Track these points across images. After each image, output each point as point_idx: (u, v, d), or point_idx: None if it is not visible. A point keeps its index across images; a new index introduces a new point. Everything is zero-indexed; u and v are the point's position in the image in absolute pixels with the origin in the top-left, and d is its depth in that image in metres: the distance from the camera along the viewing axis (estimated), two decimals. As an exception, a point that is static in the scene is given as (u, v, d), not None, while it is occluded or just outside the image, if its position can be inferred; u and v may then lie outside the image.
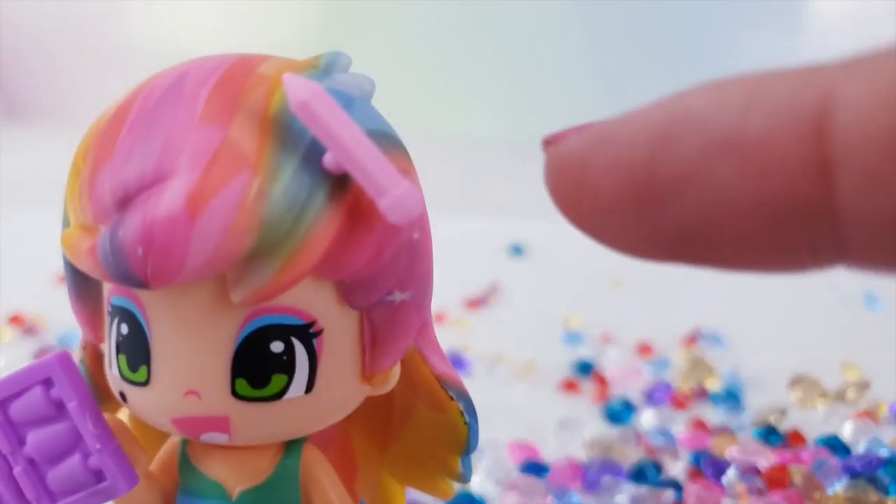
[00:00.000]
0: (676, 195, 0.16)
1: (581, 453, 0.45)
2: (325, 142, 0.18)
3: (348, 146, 0.18)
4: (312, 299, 0.20)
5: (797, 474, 0.42)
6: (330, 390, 0.22)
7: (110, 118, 0.21)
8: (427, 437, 0.26)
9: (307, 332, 0.20)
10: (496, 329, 0.63)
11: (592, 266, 0.79)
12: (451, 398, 0.25)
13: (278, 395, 0.21)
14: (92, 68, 1.53)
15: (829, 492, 0.42)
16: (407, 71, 1.36)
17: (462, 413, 0.25)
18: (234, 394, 0.20)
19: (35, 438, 0.22)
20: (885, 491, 0.42)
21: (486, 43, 1.47)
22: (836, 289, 0.77)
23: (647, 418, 0.49)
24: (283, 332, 0.20)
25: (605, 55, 1.51)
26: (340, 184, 0.19)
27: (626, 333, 0.62)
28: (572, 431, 0.47)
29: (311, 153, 0.19)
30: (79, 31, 1.55)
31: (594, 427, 0.48)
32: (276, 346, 0.20)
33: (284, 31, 1.53)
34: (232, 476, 0.23)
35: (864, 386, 0.55)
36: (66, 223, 0.22)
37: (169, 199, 0.18)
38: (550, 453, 0.44)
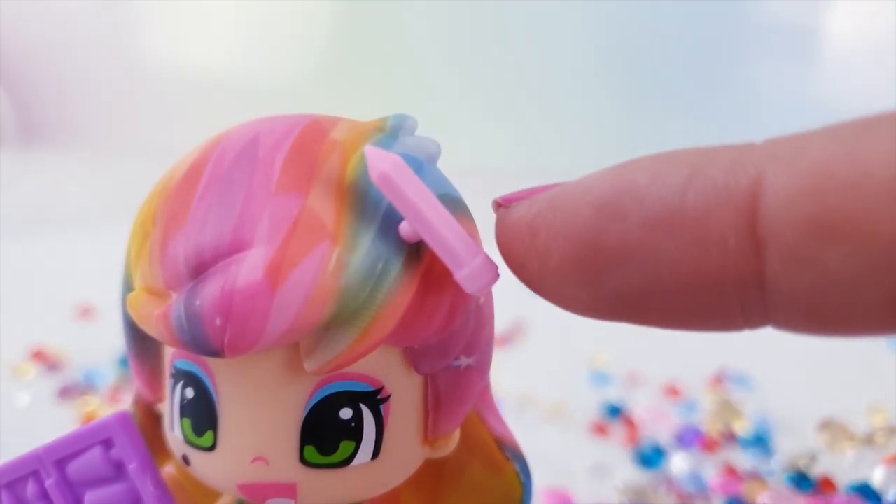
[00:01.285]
0: (621, 264, 0.17)
1: (614, 499, 0.45)
2: (404, 213, 0.18)
3: (428, 218, 0.18)
4: (381, 366, 0.21)
5: (830, 523, 0.42)
6: (395, 455, 0.22)
7: (180, 181, 0.21)
8: (480, 498, 0.26)
9: (375, 399, 0.21)
10: (523, 368, 0.64)
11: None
12: (508, 459, 0.25)
13: (346, 462, 0.21)
14: (104, 92, 1.54)
15: (863, 541, 0.42)
16: (422, 99, 1.36)
17: (518, 474, 0.25)
18: (303, 461, 0.20)
19: (93, 499, 0.22)
20: (917, 540, 0.42)
21: (503, 72, 1.47)
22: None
23: (677, 463, 0.49)
24: (353, 398, 0.20)
25: (620, 86, 1.51)
26: (415, 252, 0.20)
27: (653, 373, 0.62)
28: (604, 477, 0.47)
29: (387, 222, 0.19)
30: (91, 55, 1.56)
31: (625, 472, 0.48)
32: (345, 413, 0.20)
33: (297, 52, 1.53)
34: None
35: (892, 431, 0.55)
36: (128, 285, 0.22)
37: (249, 269, 0.18)
38: (583, 499, 0.44)
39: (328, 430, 0.20)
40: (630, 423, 0.54)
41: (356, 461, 0.21)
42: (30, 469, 0.23)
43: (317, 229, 0.19)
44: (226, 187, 0.19)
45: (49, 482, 0.22)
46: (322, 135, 0.21)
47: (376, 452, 0.21)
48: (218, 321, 0.18)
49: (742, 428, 0.54)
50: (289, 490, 0.21)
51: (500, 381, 0.60)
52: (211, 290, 0.18)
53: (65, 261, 0.86)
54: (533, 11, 1.45)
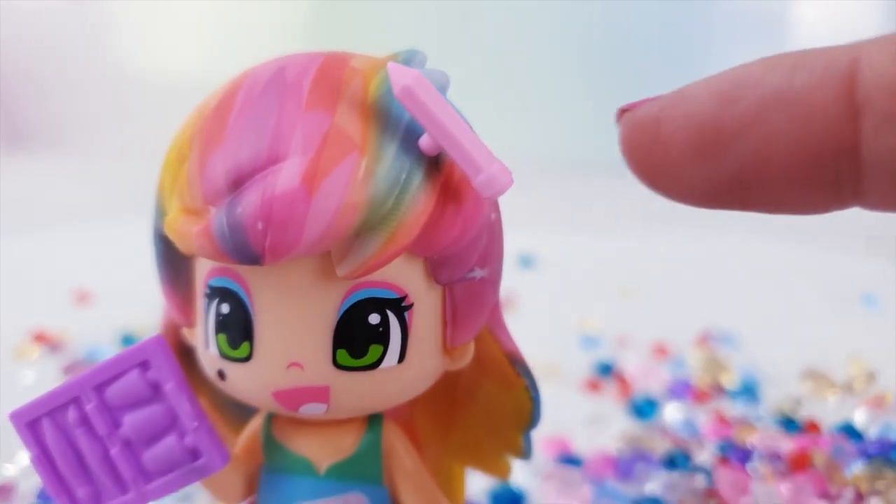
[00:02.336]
0: (737, 142, 0.19)
1: (611, 446, 0.46)
2: (425, 124, 0.20)
3: (448, 128, 0.20)
4: (405, 275, 0.22)
5: (818, 458, 0.44)
6: (418, 361, 0.23)
7: (214, 108, 0.22)
8: (493, 415, 0.28)
9: (400, 306, 0.22)
10: (514, 336, 0.65)
11: (600, 276, 0.82)
12: (519, 374, 0.27)
13: (375, 365, 0.22)
14: (87, 98, 1.55)
15: (848, 473, 0.43)
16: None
17: (528, 389, 0.27)
18: (336, 364, 0.22)
19: (131, 420, 0.23)
20: (900, 471, 0.44)
21: (494, 59, 1.49)
22: (835, 291, 0.80)
23: (670, 412, 0.51)
24: (380, 305, 0.22)
25: (592, 74, 1.54)
26: (434, 164, 0.21)
27: (640, 337, 0.64)
28: (600, 427, 0.49)
29: (409, 136, 0.21)
30: (73, 61, 1.57)
31: (621, 423, 0.50)
32: (374, 318, 0.22)
33: (272, 55, 1.54)
34: (319, 452, 0.24)
35: (870, 377, 0.57)
36: (161, 213, 0.23)
37: (286, 177, 0.19)
38: (582, 447, 0.46)
39: (358, 335, 0.22)
40: (622, 380, 0.55)
41: (384, 364, 0.22)
42: (70, 396, 0.24)
43: (345, 142, 0.20)
44: (259, 109, 0.21)
45: (90, 407, 0.23)
46: (343, 63, 0.22)
47: (402, 357, 0.22)
48: (259, 225, 0.19)
49: (729, 381, 0.56)
50: (322, 394, 0.22)
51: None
52: (252, 198, 0.20)
53: (57, 252, 0.87)
54: (510, 7, 1.48)
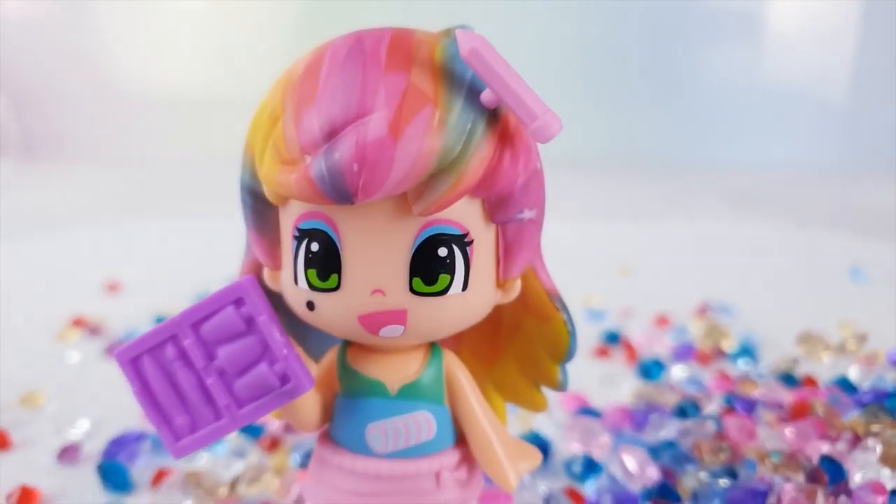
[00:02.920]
0: None
1: (626, 401, 0.50)
2: (487, 80, 0.23)
3: (509, 82, 0.23)
4: (467, 214, 0.25)
5: (818, 406, 0.48)
6: (478, 291, 0.27)
7: (302, 74, 0.25)
8: (534, 348, 0.31)
9: (463, 241, 0.26)
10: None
11: (600, 258, 0.86)
12: (557, 309, 0.30)
13: (444, 292, 0.26)
14: (95, 110, 1.59)
15: (846, 419, 0.47)
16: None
17: (566, 322, 0.30)
18: (412, 290, 0.25)
19: (226, 353, 0.26)
20: (894, 416, 0.47)
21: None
22: (823, 266, 0.84)
23: (677, 372, 0.55)
24: (447, 240, 0.25)
25: (577, 72, 1.58)
26: (494, 116, 0.25)
27: (643, 309, 0.68)
28: (613, 386, 0.53)
29: (472, 92, 0.24)
30: (81, 80, 1.61)
31: (631, 383, 0.53)
32: (442, 251, 0.25)
33: (262, 66, 1.58)
34: (392, 375, 0.28)
35: (862, 338, 0.61)
36: (250, 169, 0.26)
37: (375, 127, 0.23)
38: (599, 402, 0.49)
39: (430, 265, 0.25)
40: (629, 347, 0.59)
41: (451, 291, 0.26)
42: (168, 334, 0.26)
43: (421, 97, 0.24)
44: (345, 72, 0.24)
45: (187, 342, 0.26)
46: (409, 35, 0.26)
47: (465, 285, 0.26)
48: (355, 167, 0.23)
49: (729, 345, 0.60)
50: (401, 316, 0.26)
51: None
52: (347, 145, 0.23)
53: (84, 249, 0.92)
54: (493, 10, 1.51)
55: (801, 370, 0.55)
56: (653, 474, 0.41)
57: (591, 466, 0.41)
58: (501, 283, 0.28)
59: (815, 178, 1.46)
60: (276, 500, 0.39)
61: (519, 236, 0.27)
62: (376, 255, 0.25)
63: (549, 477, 0.41)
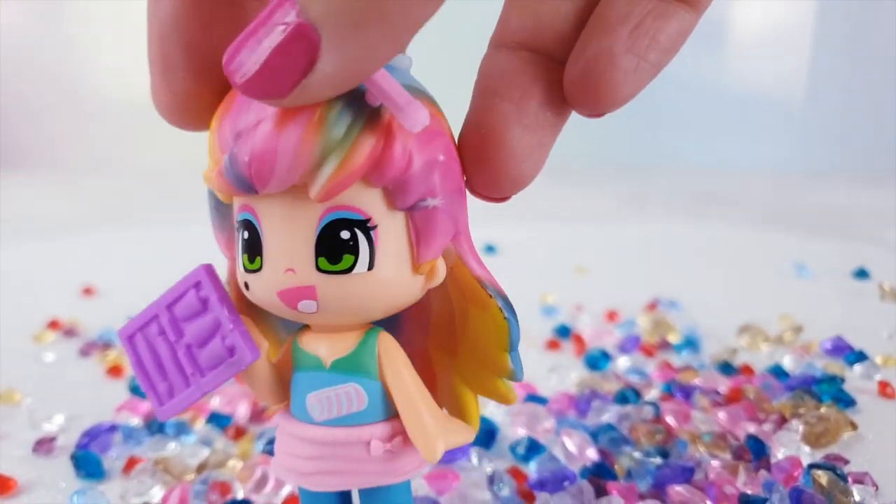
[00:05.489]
0: None
1: (571, 389, 0.53)
2: (364, 82, 0.26)
3: (378, 81, 0.26)
4: (367, 202, 0.28)
5: (749, 392, 0.51)
6: (388, 272, 0.29)
7: (223, 103, 0.29)
8: (481, 336, 0.33)
9: (365, 226, 0.28)
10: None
11: (556, 259, 0.89)
12: (490, 296, 0.33)
13: (348, 270, 0.29)
14: (69, 121, 1.61)
15: (775, 403, 0.51)
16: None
17: (501, 309, 0.33)
18: (318, 268, 0.29)
19: (191, 329, 0.30)
20: (819, 400, 0.51)
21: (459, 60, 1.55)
22: (771, 262, 0.88)
23: (622, 363, 0.58)
24: (348, 224, 0.28)
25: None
26: (377, 112, 0.27)
27: (595, 305, 0.71)
28: (561, 375, 0.56)
29: (356, 92, 0.27)
30: (58, 91, 1.63)
31: (578, 372, 0.57)
32: (344, 234, 0.28)
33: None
34: (326, 351, 0.31)
35: (798, 329, 0.64)
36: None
37: (264, 126, 0.26)
38: (546, 391, 0.53)
39: (333, 245, 0.28)
40: (579, 339, 0.62)
41: (356, 270, 0.29)
42: (152, 314, 0.31)
43: None
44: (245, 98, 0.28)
45: (164, 321, 0.31)
46: None
47: (370, 265, 0.29)
48: (247, 159, 0.26)
49: (674, 338, 0.63)
50: (310, 292, 0.29)
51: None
52: (244, 143, 0.27)
53: (59, 256, 0.94)
54: (459, 10, 1.54)
55: (740, 360, 0.59)
56: (592, 455, 0.44)
57: (534, 448, 0.44)
58: (417, 267, 0.31)
59: (770, 179, 1.51)
60: (239, 482, 0.42)
61: (428, 223, 0.30)
62: (287, 239, 0.29)
63: (495, 458, 0.45)
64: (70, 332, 0.65)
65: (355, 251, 0.28)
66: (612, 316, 0.68)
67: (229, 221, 0.31)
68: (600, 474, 0.42)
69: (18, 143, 1.61)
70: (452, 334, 0.34)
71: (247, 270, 0.30)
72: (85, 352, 0.61)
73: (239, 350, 0.30)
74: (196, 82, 0.29)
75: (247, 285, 0.30)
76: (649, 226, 1.02)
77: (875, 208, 1.18)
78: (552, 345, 0.62)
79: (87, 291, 0.76)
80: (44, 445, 0.46)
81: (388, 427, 0.31)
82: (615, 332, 0.64)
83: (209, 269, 0.30)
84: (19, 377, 0.56)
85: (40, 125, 1.63)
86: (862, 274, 0.82)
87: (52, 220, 1.15)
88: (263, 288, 0.29)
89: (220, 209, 0.31)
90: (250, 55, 0.24)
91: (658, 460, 0.44)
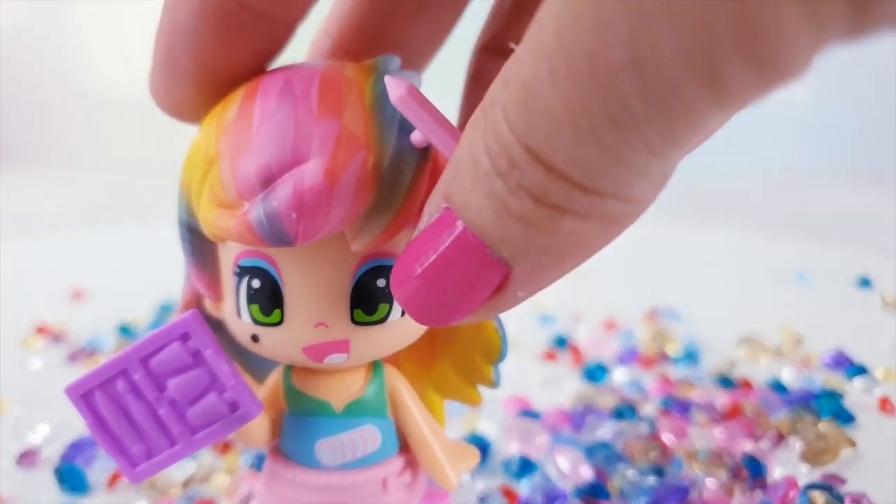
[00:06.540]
0: None
1: (566, 403, 0.52)
2: (416, 123, 0.24)
3: (434, 125, 0.24)
4: (402, 245, 0.26)
5: (748, 407, 0.51)
6: None
7: (235, 117, 0.26)
8: (468, 352, 0.33)
9: None
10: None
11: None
12: None
13: (384, 319, 0.27)
14: (66, 117, 1.60)
15: (773, 419, 0.50)
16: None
17: (497, 329, 0.32)
18: (353, 321, 0.27)
19: (175, 384, 0.27)
20: (818, 416, 0.50)
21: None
22: (772, 269, 0.86)
23: (619, 375, 0.57)
24: (385, 271, 0.27)
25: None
26: (424, 154, 0.26)
27: (593, 314, 0.70)
28: (556, 388, 0.55)
29: (403, 131, 0.25)
30: (54, 86, 1.62)
31: (574, 385, 0.56)
32: (381, 283, 0.27)
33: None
34: (336, 394, 0.29)
35: (797, 341, 0.63)
36: (187, 207, 0.27)
37: (311, 175, 0.24)
38: (540, 404, 0.52)
39: (370, 296, 0.27)
40: (575, 350, 0.61)
41: (390, 318, 0.27)
42: (118, 369, 0.27)
43: (354, 141, 0.25)
44: (277, 117, 0.25)
45: (137, 376, 0.27)
46: (339, 72, 0.27)
47: (404, 311, 0.27)
48: (294, 215, 0.23)
49: (673, 350, 0.62)
50: (343, 345, 0.27)
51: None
52: (285, 193, 0.24)
53: (50, 256, 0.93)
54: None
55: (739, 372, 0.58)
56: (586, 473, 0.43)
57: (526, 466, 0.44)
58: None
59: (772, 184, 1.49)
60: (224, 498, 0.41)
61: None
62: (317, 291, 0.26)
63: (487, 476, 0.44)
64: (58, 338, 0.64)
65: (390, 299, 0.27)
66: (610, 325, 0.67)
67: (212, 258, 0.28)
68: (594, 493, 0.42)
69: (6, 140, 1.60)
70: (430, 349, 0.33)
71: (258, 323, 0.27)
72: (73, 358, 0.60)
73: (244, 405, 0.28)
74: (198, 92, 0.27)
75: (255, 337, 0.28)
76: (648, 231, 1.00)
77: (879, 215, 1.17)
78: (548, 356, 0.61)
79: (77, 295, 0.75)
80: (28, 458, 0.45)
81: (401, 461, 0.31)
82: (613, 343, 0.64)
83: (198, 318, 0.27)
84: (5, 384, 0.55)
85: (31, 122, 1.62)
86: (865, 283, 0.81)
87: (41, 218, 1.14)
88: (285, 344, 0.27)
89: (201, 246, 0.28)
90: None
91: (653, 479, 0.43)
